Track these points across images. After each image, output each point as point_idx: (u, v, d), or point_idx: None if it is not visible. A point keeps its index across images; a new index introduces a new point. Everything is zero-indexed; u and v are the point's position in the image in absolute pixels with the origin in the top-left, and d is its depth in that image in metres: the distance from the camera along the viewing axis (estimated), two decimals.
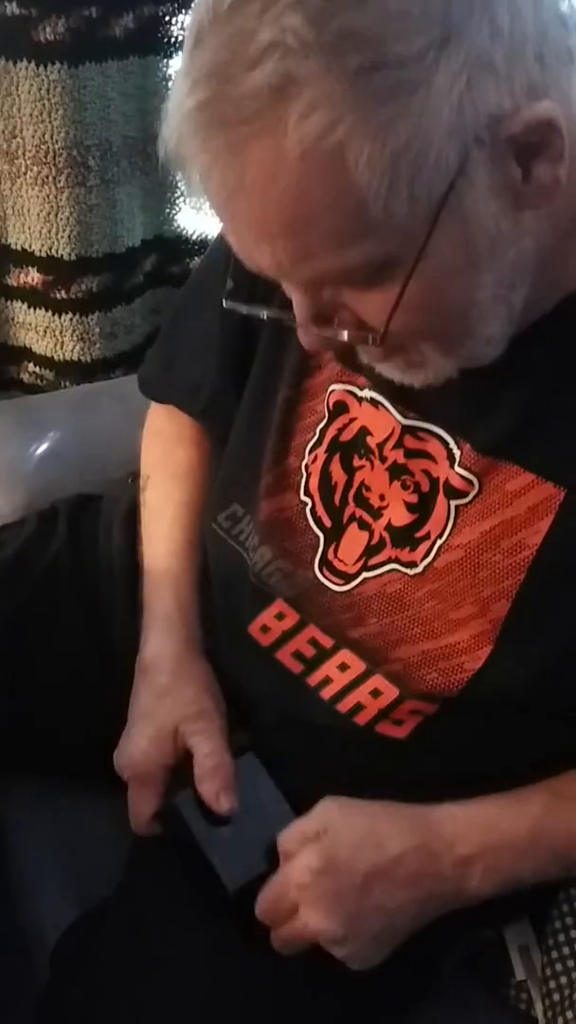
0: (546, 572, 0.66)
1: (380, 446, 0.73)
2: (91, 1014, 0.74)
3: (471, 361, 0.64)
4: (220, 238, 0.87)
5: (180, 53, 1.16)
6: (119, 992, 0.74)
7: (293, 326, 0.62)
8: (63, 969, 0.80)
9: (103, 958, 0.77)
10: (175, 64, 1.19)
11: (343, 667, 0.75)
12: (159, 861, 0.81)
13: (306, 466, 0.77)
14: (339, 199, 0.52)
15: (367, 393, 0.74)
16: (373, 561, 0.73)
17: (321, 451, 0.76)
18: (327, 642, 0.76)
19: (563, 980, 0.79)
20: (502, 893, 0.71)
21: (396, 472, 0.72)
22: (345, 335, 0.60)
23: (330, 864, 0.70)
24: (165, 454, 0.94)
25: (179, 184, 1.29)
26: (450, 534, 0.69)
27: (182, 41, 1.15)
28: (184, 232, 1.33)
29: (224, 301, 0.66)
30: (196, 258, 1.34)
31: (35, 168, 1.15)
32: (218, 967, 0.74)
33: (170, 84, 1.20)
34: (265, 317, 0.65)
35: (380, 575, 0.73)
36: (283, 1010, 0.74)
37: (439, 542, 0.70)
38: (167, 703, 0.81)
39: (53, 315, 1.26)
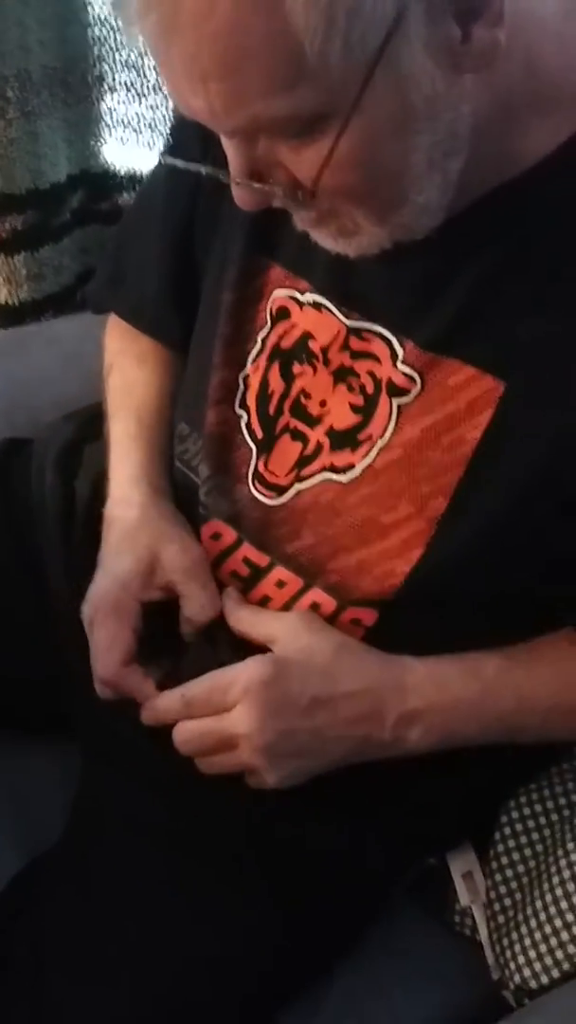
0: (483, 466, 0.66)
1: (324, 350, 0.72)
2: (38, 962, 0.74)
3: (405, 231, 0.63)
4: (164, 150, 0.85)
5: None
6: (65, 939, 0.74)
7: (227, 182, 0.61)
8: (9, 919, 0.79)
9: (48, 906, 0.77)
10: None
11: (280, 584, 0.75)
12: (104, 808, 0.81)
13: (245, 377, 0.76)
14: (274, 40, 0.51)
15: (309, 297, 0.73)
16: (306, 471, 0.73)
17: (262, 360, 0.76)
18: (262, 560, 0.75)
19: (507, 902, 0.81)
20: (440, 749, 0.72)
21: (341, 375, 0.71)
22: (278, 192, 0.60)
23: (280, 682, 0.70)
24: (128, 340, 0.92)
25: (104, 115, 1.25)
26: (391, 434, 0.69)
27: None
28: (111, 167, 1.28)
29: (162, 157, 0.65)
30: (125, 193, 1.30)
31: None
32: (163, 908, 0.74)
33: (90, 11, 1.16)
34: (203, 172, 0.64)
35: (313, 485, 0.73)
36: (231, 939, 0.74)
37: (380, 443, 0.70)
38: (144, 535, 0.78)
39: None
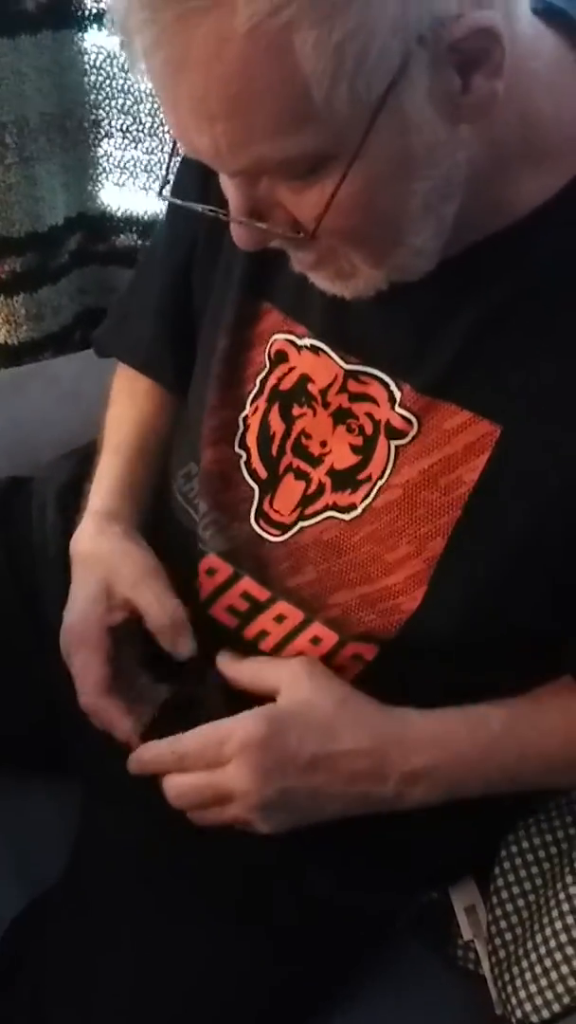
0: (480, 509, 0.67)
1: (323, 392, 0.73)
2: (40, 1000, 0.74)
3: (401, 273, 0.64)
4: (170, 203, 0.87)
5: (95, 26, 1.15)
6: (65, 980, 0.74)
7: (227, 220, 0.62)
8: (11, 958, 0.79)
9: (51, 945, 0.77)
10: (90, 38, 1.17)
11: (280, 619, 0.75)
12: (103, 847, 0.81)
13: (244, 418, 0.77)
14: (282, 83, 0.52)
15: (307, 341, 0.74)
16: (310, 510, 0.74)
17: (262, 401, 0.77)
18: (262, 595, 0.76)
19: (508, 936, 0.81)
20: (442, 803, 0.72)
21: (341, 417, 0.72)
22: (277, 232, 0.61)
23: (278, 739, 0.69)
24: (129, 380, 0.94)
25: (101, 160, 1.27)
26: (390, 474, 0.70)
27: (96, 14, 1.14)
28: (108, 209, 1.31)
29: (160, 194, 0.67)
30: (122, 235, 1.32)
31: None
32: (166, 947, 0.74)
33: (86, 58, 1.18)
34: (201, 211, 0.65)
35: (317, 523, 0.74)
36: (234, 978, 0.74)
37: (379, 483, 0.71)
38: (97, 559, 0.80)
39: None
